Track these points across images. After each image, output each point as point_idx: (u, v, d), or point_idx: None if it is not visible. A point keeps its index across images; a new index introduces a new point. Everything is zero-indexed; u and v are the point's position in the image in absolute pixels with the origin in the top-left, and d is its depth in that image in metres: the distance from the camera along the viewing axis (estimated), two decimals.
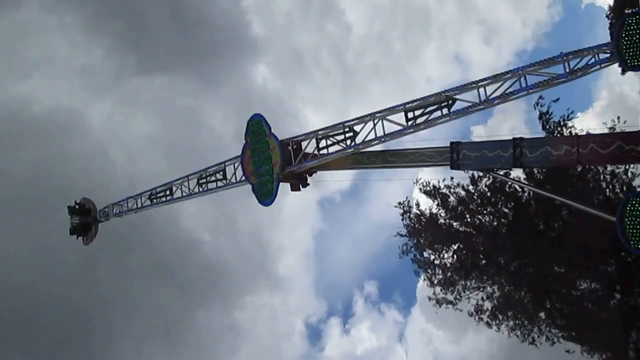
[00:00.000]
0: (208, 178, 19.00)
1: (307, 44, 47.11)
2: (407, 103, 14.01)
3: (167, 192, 20.16)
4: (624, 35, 10.97)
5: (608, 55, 11.37)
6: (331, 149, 15.69)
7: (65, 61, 39.34)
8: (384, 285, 45.19)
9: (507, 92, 12.52)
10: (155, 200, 20.66)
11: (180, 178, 19.69)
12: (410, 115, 13.93)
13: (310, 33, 48.05)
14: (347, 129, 15.19)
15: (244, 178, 17.81)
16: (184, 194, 19.67)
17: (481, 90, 12.80)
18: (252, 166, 17.37)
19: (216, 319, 39.56)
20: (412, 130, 13.95)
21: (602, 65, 11.54)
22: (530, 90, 12.42)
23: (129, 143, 40.47)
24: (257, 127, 17.34)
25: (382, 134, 14.37)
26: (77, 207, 22.71)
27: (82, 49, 39.15)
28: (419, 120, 13.81)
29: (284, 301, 44.94)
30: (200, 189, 19.26)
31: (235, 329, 40.11)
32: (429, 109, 13.69)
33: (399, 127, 14.15)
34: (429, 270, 23.62)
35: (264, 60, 47.37)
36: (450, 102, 13.34)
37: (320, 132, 15.81)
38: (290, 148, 16.49)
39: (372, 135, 14.49)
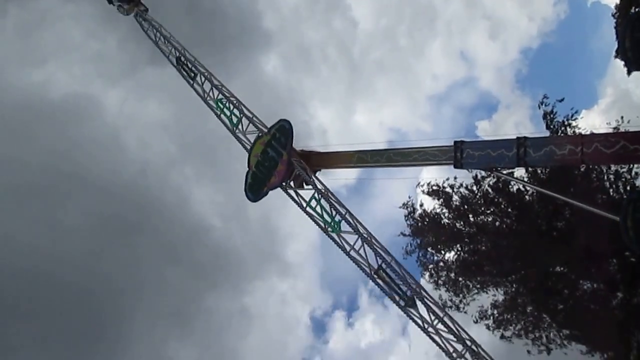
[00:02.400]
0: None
1: (314, 39, 47.20)
2: None
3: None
4: (629, 35, 10.93)
5: None
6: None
7: (81, 49, 39.86)
8: None
9: None
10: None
11: None
12: None
13: (317, 28, 48.12)
14: None
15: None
16: None
17: None
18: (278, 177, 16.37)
19: (226, 304, 40.04)
20: None
21: None
22: None
23: (142, 130, 41.04)
24: (254, 183, 16.68)
25: None
26: None
27: (98, 38, 39.53)
28: None
29: (292, 287, 45.43)
30: None
31: (245, 313, 40.63)
32: None
33: None
34: (433, 273, 23.58)
35: (275, 52, 47.60)
36: None
37: None
38: None
39: None
